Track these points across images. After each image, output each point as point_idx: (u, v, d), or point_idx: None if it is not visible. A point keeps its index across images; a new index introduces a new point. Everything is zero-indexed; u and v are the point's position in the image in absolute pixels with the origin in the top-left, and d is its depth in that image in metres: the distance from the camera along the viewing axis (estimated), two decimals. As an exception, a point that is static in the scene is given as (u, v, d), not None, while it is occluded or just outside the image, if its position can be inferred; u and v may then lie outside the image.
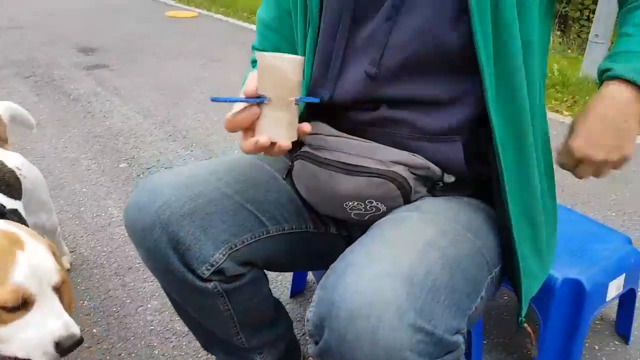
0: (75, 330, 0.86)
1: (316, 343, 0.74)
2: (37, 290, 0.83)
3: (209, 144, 2.60)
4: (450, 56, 0.81)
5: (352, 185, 0.86)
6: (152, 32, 4.87)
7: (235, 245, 0.92)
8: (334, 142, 0.91)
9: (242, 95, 0.77)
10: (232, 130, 0.78)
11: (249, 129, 0.78)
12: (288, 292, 1.58)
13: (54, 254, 0.92)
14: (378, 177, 0.85)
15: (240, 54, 4.19)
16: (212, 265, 0.89)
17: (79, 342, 0.86)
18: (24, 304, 0.82)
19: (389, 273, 0.68)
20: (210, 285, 0.91)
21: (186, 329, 1.42)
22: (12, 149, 1.41)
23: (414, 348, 0.66)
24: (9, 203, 1.15)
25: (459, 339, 0.72)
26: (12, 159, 1.29)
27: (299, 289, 1.58)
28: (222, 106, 3.08)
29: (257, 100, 0.74)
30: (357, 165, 0.86)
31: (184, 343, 1.38)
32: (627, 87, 0.75)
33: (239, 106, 0.77)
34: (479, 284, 0.79)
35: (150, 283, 1.59)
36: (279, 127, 0.75)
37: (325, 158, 0.89)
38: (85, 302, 1.50)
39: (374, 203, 0.87)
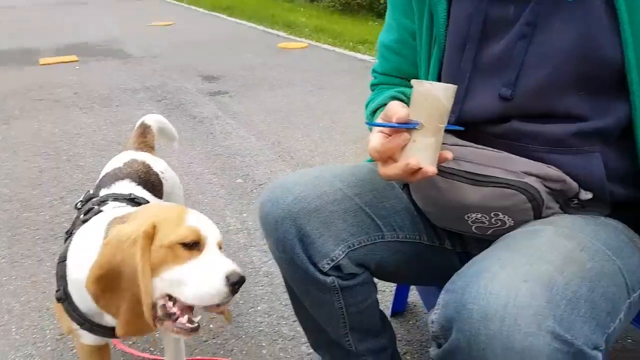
0: (239, 269, 0.91)
1: (439, 346, 0.75)
2: (207, 235, 0.91)
3: (313, 165, 2.76)
4: (596, 72, 0.79)
5: (478, 196, 0.84)
6: (266, 62, 5.23)
7: (353, 245, 0.99)
8: (460, 152, 0.90)
9: (394, 121, 0.78)
10: (381, 158, 0.79)
11: (391, 157, 0.79)
12: (388, 312, 1.63)
13: None
14: (508, 187, 0.82)
15: (344, 81, 4.40)
16: (332, 260, 0.97)
17: (243, 279, 0.90)
18: (196, 245, 0.89)
19: (527, 278, 0.67)
20: (328, 279, 0.99)
21: (292, 333, 1.53)
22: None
23: (551, 356, 0.64)
24: (153, 200, 1.33)
25: (598, 355, 0.68)
26: (158, 164, 1.48)
27: (399, 310, 1.63)
28: (327, 130, 3.25)
29: (409, 125, 0.75)
30: (485, 175, 0.84)
31: (290, 347, 1.49)
32: None
33: (375, 137, 0.80)
34: (618, 304, 0.75)
35: (260, 287, 1.73)
36: (427, 152, 0.76)
37: (450, 167, 0.88)
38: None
39: (500, 216, 0.85)
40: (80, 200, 1.16)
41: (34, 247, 1.96)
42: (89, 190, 1.21)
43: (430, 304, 1.33)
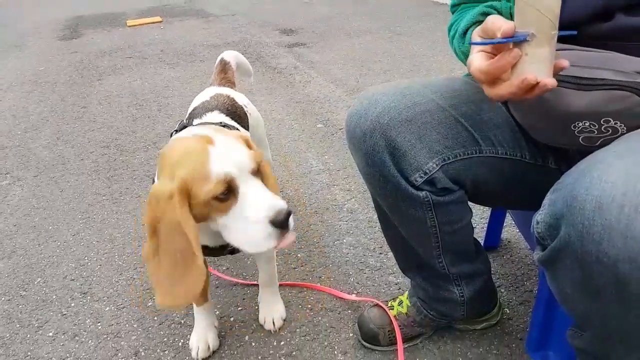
0: (280, 203, 0.88)
1: (543, 248, 0.72)
2: (237, 175, 0.87)
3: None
4: None
5: (585, 101, 0.77)
6: (342, 11, 5.12)
7: (448, 158, 0.93)
8: (564, 56, 0.81)
9: (499, 36, 0.70)
10: (488, 79, 0.72)
11: (499, 77, 0.72)
12: (479, 248, 1.55)
13: (247, 143, 0.95)
14: (619, 89, 0.74)
15: (424, 25, 4.25)
16: (425, 174, 0.92)
17: (288, 212, 0.88)
18: (231, 191, 0.87)
19: None
20: (421, 194, 0.94)
21: (378, 264, 1.51)
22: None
23: None
24: (241, 130, 1.35)
25: None
26: (241, 98, 1.50)
27: (492, 245, 1.55)
28: (408, 74, 3.13)
29: (519, 38, 0.68)
30: (593, 79, 0.76)
31: (376, 276, 1.47)
32: None
33: (477, 57, 0.73)
34: None
35: (345, 222, 1.72)
36: (543, 64, 0.69)
37: None
38: (292, 233, 1.69)
39: (612, 122, 0.77)
40: (175, 130, 1.19)
41: (132, 186, 2.08)
42: (182, 120, 1.23)
43: (530, 236, 1.24)
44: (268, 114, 2.75)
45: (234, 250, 1.05)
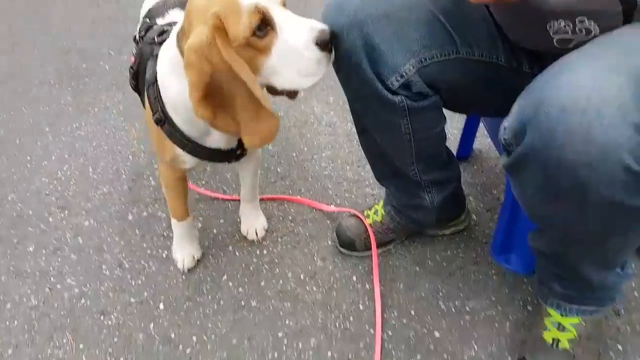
0: (320, 23, 0.83)
1: (509, 154, 0.74)
2: (269, 5, 0.80)
3: None
4: None
5: None
6: None
7: (425, 60, 0.92)
8: None
9: None
10: None
11: None
12: (451, 157, 1.60)
13: None
14: None
15: None
16: (401, 76, 0.91)
17: (333, 33, 0.83)
18: (267, 24, 0.80)
19: (612, 68, 0.62)
20: (397, 98, 0.94)
21: (356, 177, 1.54)
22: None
23: (633, 150, 0.61)
24: None
25: None
26: None
27: (464, 155, 1.60)
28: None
29: None
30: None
31: (354, 188, 1.51)
32: None
33: None
34: None
35: (324, 136, 1.72)
36: None
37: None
38: (269, 146, 1.69)
39: (586, 23, 0.76)
40: (139, 34, 1.12)
41: (99, 96, 2.00)
42: (145, 21, 1.16)
43: (496, 136, 1.28)
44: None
45: (242, 154, 1.06)
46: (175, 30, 0.92)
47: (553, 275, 0.99)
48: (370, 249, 1.28)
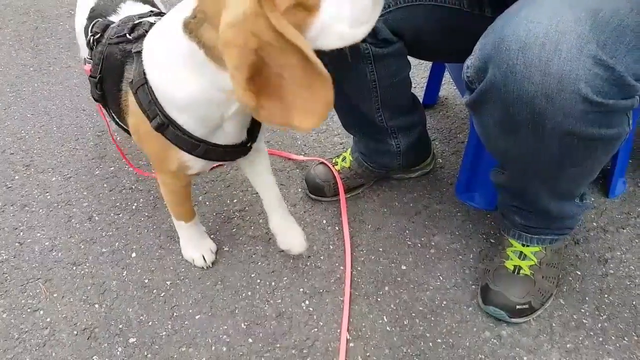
0: None
1: (471, 92, 0.77)
2: None
3: None
4: None
5: None
6: None
7: (389, 5, 0.94)
8: None
9: None
10: None
11: None
12: (418, 106, 1.63)
13: None
14: None
15: None
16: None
17: None
18: None
19: (573, 4, 0.64)
20: (362, 45, 0.97)
21: (325, 126, 1.56)
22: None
23: (589, 81, 0.63)
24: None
25: (638, 87, 0.66)
26: None
27: (430, 103, 1.62)
28: None
29: None
30: None
31: (323, 138, 1.53)
32: None
33: None
34: None
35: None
36: None
37: None
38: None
39: None
40: (95, 32, 0.98)
41: (60, 55, 1.95)
42: (96, 21, 1.02)
43: (460, 82, 1.31)
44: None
45: (250, 146, 0.97)
46: (173, 20, 0.78)
47: (514, 208, 1.03)
48: (338, 194, 1.31)
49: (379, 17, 0.92)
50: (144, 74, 0.84)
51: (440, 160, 1.43)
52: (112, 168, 1.46)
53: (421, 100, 1.60)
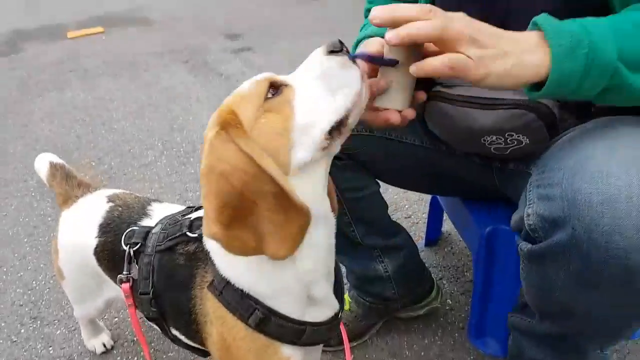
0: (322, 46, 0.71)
1: (531, 241, 0.74)
2: (274, 75, 0.71)
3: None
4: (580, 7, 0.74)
5: (490, 120, 0.83)
6: (287, 14, 5.14)
7: None
8: None
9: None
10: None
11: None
12: (422, 242, 1.63)
13: None
14: (517, 107, 0.81)
15: (371, 28, 4.25)
16: None
17: (337, 41, 0.70)
18: (277, 87, 0.69)
19: (636, 159, 0.65)
20: None
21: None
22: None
23: None
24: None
25: None
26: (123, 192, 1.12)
27: (433, 238, 1.62)
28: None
29: (390, 61, 0.70)
30: (494, 99, 0.82)
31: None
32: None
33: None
34: None
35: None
36: (404, 92, 0.72)
37: (459, 95, 0.86)
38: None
39: (515, 136, 0.84)
40: (133, 242, 0.88)
41: (78, 205, 2.04)
42: (131, 230, 0.91)
43: (458, 220, 1.31)
44: (216, 122, 2.75)
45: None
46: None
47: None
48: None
49: None
50: (219, 274, 0.76)
51: (450, 302, 1.39)
52: (117, 319, 1.45)
53: (424, 237, 1.62)
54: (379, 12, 0.64)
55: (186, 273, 0.80)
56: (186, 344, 0.91)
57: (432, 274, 1.37)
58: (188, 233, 0.81)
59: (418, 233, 1.66)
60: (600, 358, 0.95)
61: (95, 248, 0.97)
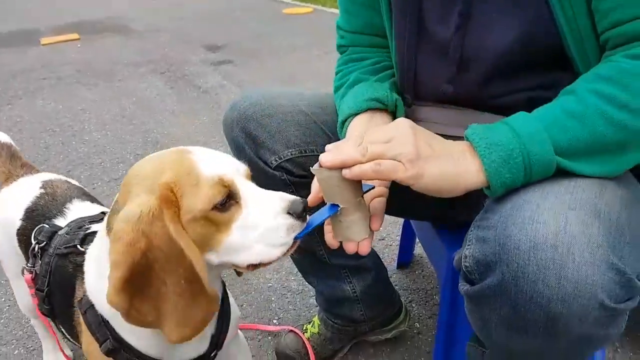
0: (292, 196, 0.73)
1: (470, 282, 0.74)
2: (234, 177, 0.71)
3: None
4: (538, 57, 0.79)
5: None
6: (271, 28, 5.16)
7: (305, 152, 1.01)
8: (426, 113, 0.92)
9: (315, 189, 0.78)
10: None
11: None
12: (394, 265, 1.63)
13: None
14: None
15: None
16: (279, 158, 1.01)
17: (304, 202, 0.73)
18: (231, 197, 0.69)
19: (572, 206, 0.65)
20: (277, 173, 1.01)
21: (300, 287, 1.54)
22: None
23: (605, 286, 0.61)
24: None
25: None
26: (66, 179, 1.15)
27: (405, 261, 1.63)
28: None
29: (330, 213, 0.73)
30: (450, 136, 0.81)
31: (298, 300, 1.50)
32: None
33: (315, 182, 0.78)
34: None
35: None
36: (357, 226, 0.75)
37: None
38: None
39: None
40: (39, 240, 0.91)
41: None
42: (41, 226, 0.93)
43: (427, 243, 1.32)
44: (192, 136, 2.72)
45: (215, 354, 0.87)
46: (101, 226, 0.76)
47: None
48: (312, 365, 1.24)
49: (293, 156, 1.00)
50: (88, 294, 0.77)
51: (418, 325, 1.39)
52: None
53: (396, 259, 1.62)
54: (328, 158, 0.68)
55: (71, 282, 0.84)
56: (74, 342, 0.94)
57: (402, 297, 1.36)
58: (78, 246, 0.84)
59: (391, 255, 1.66)
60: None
61: (18, 229, 1.01)
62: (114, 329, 0.77)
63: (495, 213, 0.70)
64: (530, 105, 0.73)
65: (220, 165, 0.71)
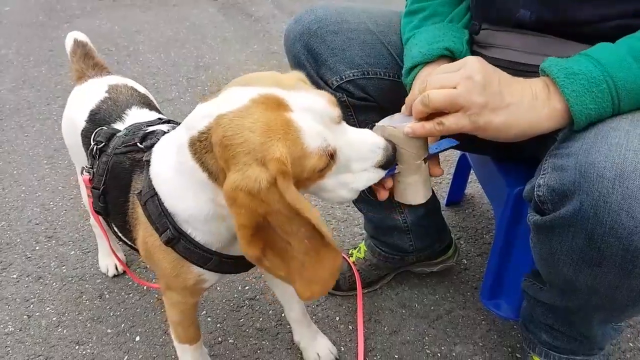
0: (379, 140, 0.74)
1: (541, 212, 0.71)
2: (333, 140, 0.70)
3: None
4: None
5: None
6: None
7: (368, 73, 0.97)
8: (503, 39, 0.85)
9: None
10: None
11: None
12: (444, 202, 1.59)
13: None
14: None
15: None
16: (340, 79, 0.97)
17: (393, 147, 0.74)
18: (332, 157, 0.70)
19: None
20: (338, 94, 0.98)
21: (345, 215, 1.54)
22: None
23: None
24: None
25: None
26: (136, 84, 1.18)
27: (455, 200, 1.59)
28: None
29: (387, 174, 0.74)
30: (528, 65, 0.78)
31: (342, 227, 1.50)
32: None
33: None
34: None
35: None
36: (414, 188, 0.76)
37: (493, 57, 0.82)
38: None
39: None
40: (99, 140, 0.94)
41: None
42: (101, 128, 0.97)
43: (485, 177, 1.27)
44: (242, 64, 2.69)
45: None
46: (180, 135, 0.74)
47: (545, 326, 0.95)
48: (355, 288, 1.25)
49: (355, 78, 0.97)
50: (152, 184, 0.79)
51: (465, 262, 1.36)
52: (130, 245, 1.46)
53: (446, 197, 1.58)
54: (438, 96, 0.68)
55: (127, 177, 0.86)
56: (125, 241, 0.97)
57: (451, 233, 1.34)
58: (138, 144, 0.86)
59: (440, 193, 1.62)
60: (612, 330, 0.92)
61: (82, 130, 1.04)
62: (173, 220, 0.78)
63: (577, 140, 0.65)
64: (619, 36, 0.66)
65: (321, 126, 0.69)
